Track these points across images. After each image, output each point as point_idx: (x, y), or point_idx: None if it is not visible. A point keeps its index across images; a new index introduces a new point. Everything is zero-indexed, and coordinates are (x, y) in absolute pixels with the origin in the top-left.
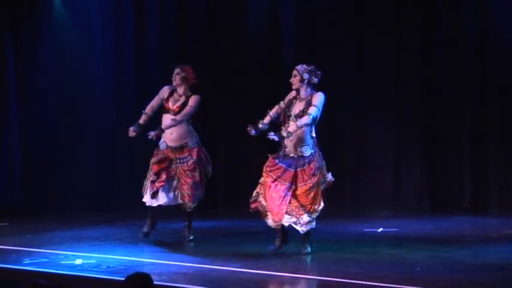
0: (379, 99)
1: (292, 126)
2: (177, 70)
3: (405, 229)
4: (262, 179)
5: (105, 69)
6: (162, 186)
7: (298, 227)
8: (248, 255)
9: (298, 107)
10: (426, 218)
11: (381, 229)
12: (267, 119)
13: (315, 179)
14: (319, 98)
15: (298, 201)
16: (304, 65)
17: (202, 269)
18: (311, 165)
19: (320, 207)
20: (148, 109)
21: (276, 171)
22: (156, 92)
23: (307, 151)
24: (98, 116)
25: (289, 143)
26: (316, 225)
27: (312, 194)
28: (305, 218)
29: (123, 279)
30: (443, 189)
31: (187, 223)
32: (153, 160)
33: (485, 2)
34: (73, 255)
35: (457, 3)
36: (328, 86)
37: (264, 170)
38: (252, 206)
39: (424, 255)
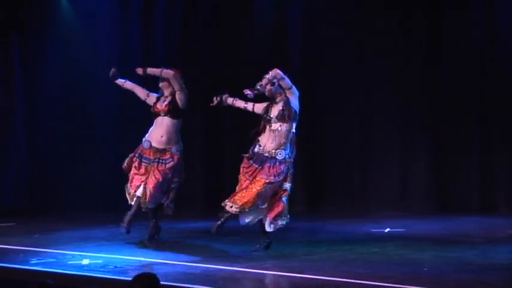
0: (386, 100)
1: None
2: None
3: (412, 229)
4: (239, 182)
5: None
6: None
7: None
8: (255, 255)
9: (276, 109)
10: (434, 218)
11: (388, 229)
12: (239, 102)
13: (278, 179)
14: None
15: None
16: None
17: (209, 269)
18: (281, 166)
19: (250, 206)
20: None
21: (250, 172)
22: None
23: (281, 155)
24: (104, 116)
25: (268, 144)
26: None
27: (261, 191)
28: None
29: (130, 279)
30: (451, 190)
31: (154, 223)
32: (134, 168)
33: (491, 2)
34: (80, 255)
35: (464, 4)
36: (335, 86)
37: (241, 170)
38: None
39: (432, 256)
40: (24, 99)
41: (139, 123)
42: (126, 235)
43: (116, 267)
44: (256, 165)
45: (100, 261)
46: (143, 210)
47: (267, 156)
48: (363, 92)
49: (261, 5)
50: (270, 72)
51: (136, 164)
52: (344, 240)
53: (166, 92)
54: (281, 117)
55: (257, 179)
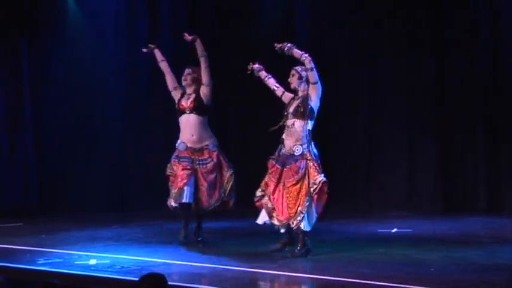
0: (392, 100)
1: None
2: (188, 70)
3: (419, 229)
4: (264, 181)
5: (119, 73)
6: (185, 183)
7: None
8: (262, 255)
9: (294, 105)
10: (440, 218)
11: (395, 229)
12: (270, 81)
13: (297, 177)
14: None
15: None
16: (300, 67)
17: (216, 269)
18: (297, 163)
19: (304, 209)
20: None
21: (274, 173)
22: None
23: (299, 150)
24: (112, 117)
25: (287, 141)
26: (312, 227)
27: (294, 193)
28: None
29: (137, 279)
30: (457, 190)
31: (197, 224)
32: (177, 168)
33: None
34: (87, 255)
35: (467, 4)
36: (341, 86)
37: (268, 172)
38: (257, 204)
39: (438, 256)
40: (31, 99)
41: (145, 124)
42: (133, 235)
43: (122, 267)
44: (279, 166)
45: (107, 261)
46: (200, 214)
47: (287, 155)
48: (367, 92)
49: (269, 5)
50: (305, 60)
51: (176, 165)
52: (350, 241)
53: (189, 90)
54: (295, 114)
55: (286, 186)
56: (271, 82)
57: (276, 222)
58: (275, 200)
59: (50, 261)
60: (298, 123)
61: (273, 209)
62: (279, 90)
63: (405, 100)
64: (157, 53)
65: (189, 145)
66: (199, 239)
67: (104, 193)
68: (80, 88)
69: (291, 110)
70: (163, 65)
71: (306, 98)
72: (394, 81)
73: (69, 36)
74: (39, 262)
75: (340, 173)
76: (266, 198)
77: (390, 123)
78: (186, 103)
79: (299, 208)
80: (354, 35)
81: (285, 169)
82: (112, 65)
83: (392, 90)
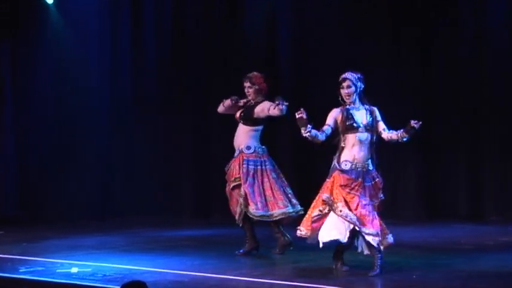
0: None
1: (393, 135)
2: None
3: (402, 237)
4: (341, 196)
5: (102, 77)
6: None
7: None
8: (244, 263)
9: (362, 117)
10: (423, 225)
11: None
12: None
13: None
14: (378, 113)
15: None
16: (352, 73)
17: (198, 277)
18: (377, 181)
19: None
20: None
21: (357, 187)
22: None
23: (371, 166)
24: (94, 124)
25: (359, 154)
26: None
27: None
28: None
29: (119, 287)
30: (440, 197)
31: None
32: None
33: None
34: (69, 263)
35: (454, 6)
36: (325, 91)
37: (334, 186)
38: (313, 225)
39: (421, 263)
40: (13, 107)
41: (128, 132)
42: (115, 243)
43: (104, 275)
44: (353, 176)
45: (89, 269)
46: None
47: (361, 170)
48: None
49: (252, 11)
50: None
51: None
52: (333, 248)
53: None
54: (368, 127)
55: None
56: (320, 134)
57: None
58: (360, 215)
59: (31, 269)
60: (369, 136)
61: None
62: (327, 127)
63: (388, 108)
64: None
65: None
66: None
67: (87, 201)
68: (62, 94)
69: (363, 122)
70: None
71: (372, 113)
72: (378, 88)
73: (51, 43)
74: (21, 271)
75: (323, 181)
76: (346, 211)
77: None
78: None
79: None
80: (339, 41)
81: (367, 185)
82: (95, 71)
83: (376, 97)
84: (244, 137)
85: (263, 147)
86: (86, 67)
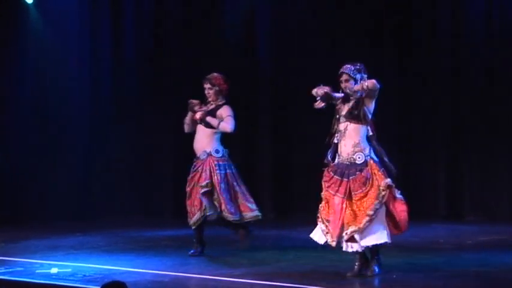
0: None
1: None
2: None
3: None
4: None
5: (82, 77)
6: None
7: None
8: (225, 263)
9: (346, 108)
10: None
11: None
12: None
13: (365, 189)
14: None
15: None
16: (350, 65)
17: (178, 277)
18: (362, 174)
19: (371, 212)
20: None
21: (333, 185)
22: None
23: (361, 158)
24: (74, 124)
25: (342, 148)
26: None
27: (364, 205)
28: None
29: (99, 287)
30: (419, 197)
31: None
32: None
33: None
34: (48, 264)
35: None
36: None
37: (323, 185)
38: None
39: (401, 262)
40: None
41: (107, 134)
42: (94, 244)
43: (84, 275)
44: (337, 177)
45: (69, 269)
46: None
47: (346, 165)
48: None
49: (231, 12)
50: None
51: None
52: (313, 248)
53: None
54: (351, 116)
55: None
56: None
57: (330, 241)
58: (332, 214)
59: (10, 270)
60: (353, 126)
61: (326, 228)
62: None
63: None
64: (211, 120)
65: None
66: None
67: (66, 201)
68: (41, 95)
69: (343, 113)
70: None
71: (359, 101)
72: None
73: (31, 40)
74: (0, 271)
75: (304, 180)
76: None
77: None
78: None
79: (367, 211)
80: (318, 44)
81: (347, 180)
82: (75, 71)
83: None
84: (209, 140)
85: (226, 149)
86: (66, 67)
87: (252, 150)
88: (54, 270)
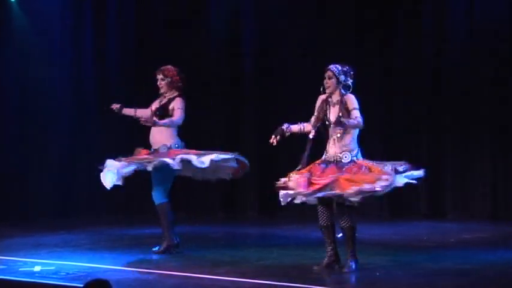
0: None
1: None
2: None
3: (364, 234)
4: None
5: (63, 76)
6: None
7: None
8: (208, 260)
9: (333, 114)
10: (385, 223)
11: (340, 234)
12: (295, 127)
13: (365, 170)
14: (353, 101)
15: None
16: (338, 65)
17: (161, 275)
18: (350, 166)
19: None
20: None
21: (314, 169)
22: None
23: (347, 157)
24: (57, 122)
25: (331, 147)
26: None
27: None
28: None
29: (82, 286)
30: (402, 195)
31: None
32: None
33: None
34: (32, 262)
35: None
36: (287, 94)
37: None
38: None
39: (384, 260)
40: None
41: (91, 132)
42: (78, 242)
43: (68, 273)
44: (322, 166)
45: (52, 267)
46: None
47: (333, 161)
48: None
49: (216, 12)
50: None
51: None
52: (297, 246)
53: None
54: (339, 124)
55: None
56: (299, 127)
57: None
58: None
59: None
60: (342, 131)
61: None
62: (308, 124)
63: None
64: (127, 111)
65: None
66: None
67: (49, 199)
68: (24, 93)
69: (331, 120)
70: (140, 111)
71: (346, 108)
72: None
73: (13, 38)
74: None
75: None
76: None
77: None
78: None
79: (383, 175)
80: (303, 44)
81: (340, 172)
82: (57, 69)
83: None
84: (166, 134)
85: (183, 142)
86: (48, 66)
87: (235, 147)
88: (37, 268)
